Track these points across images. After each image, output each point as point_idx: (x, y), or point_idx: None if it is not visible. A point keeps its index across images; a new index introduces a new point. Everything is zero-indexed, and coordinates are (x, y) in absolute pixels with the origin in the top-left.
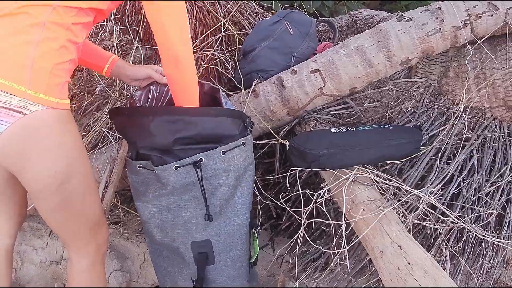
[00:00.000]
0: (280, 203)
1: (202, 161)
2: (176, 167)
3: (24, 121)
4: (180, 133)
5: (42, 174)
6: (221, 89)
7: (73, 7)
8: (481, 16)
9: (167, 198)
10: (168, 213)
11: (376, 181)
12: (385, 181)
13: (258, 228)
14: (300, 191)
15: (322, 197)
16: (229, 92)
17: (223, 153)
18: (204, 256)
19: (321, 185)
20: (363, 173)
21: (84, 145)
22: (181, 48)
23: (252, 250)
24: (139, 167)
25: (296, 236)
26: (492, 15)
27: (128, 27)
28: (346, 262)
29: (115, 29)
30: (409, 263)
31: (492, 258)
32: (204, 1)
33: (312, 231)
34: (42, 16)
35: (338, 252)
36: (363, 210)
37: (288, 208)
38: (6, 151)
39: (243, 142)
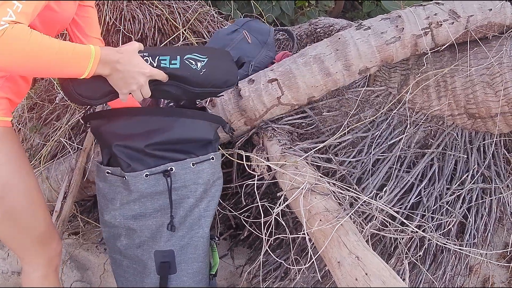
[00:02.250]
0: (238, 214)
1: (172, 170)
2: (146, 175)
3: None
4: (155, 137)
5: None
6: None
7: None
8: (442, 24)
9: (134, 207)
10: (134, 221)
11: (333, 191)
12: (342, 191)
13: (216, 238)
14: (260, 203)
15: (278, 207)
16: None
17: (193, 164)
18: (167, 266)
19: (278, 194)
20: (319, 183)
21: (26, 160)
22: None
23: (211, 261)
24: (108, 173)
25: (254, 246)
26: (453, 22)
27: None
28: (305, 273)
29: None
30: (366, 274)
31: (455, 266)
32: (163, 10)
33: (272, 241)
34: None
35: (297, 265)
36: (320, 220)
37: (247, 226)
38: None
39: (212, 157)
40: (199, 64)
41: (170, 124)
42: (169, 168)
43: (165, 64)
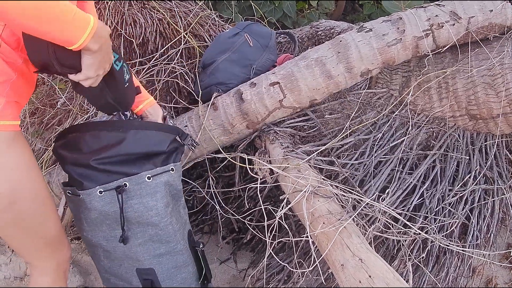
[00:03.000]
0: (241, 218)
1: (126, 186)
2: (100, 192)
3: None
4: (103, 151)
5: None
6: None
7: None
8: (443, 26)
9: (102, 227)
10: (107, 242)
11: (335, 193)
12: (344, 194)
13: (201, 246)
14: (262, 206)
15: (281, 210)
16: (189, 106)
17: (149, 178)
18: (149, 282)
19: (281, 197)
20: (322, 186)
21: (35, 165)
22: None
23: (204, 270)
24: (68, 193)
25: (257, 249)
26: (454, 24)
27: None
28: (308, 276)
29: None
30: (370, 276)
31: (458, 267)
32: (165, 14)
33: (275, 244)
34: None
35: (300, 268)
36: (323, 223)
37: (251, 229)
38: None
39: (172, 168)
40: (127, 77)
41: (120, 137)
42: (122, 184)
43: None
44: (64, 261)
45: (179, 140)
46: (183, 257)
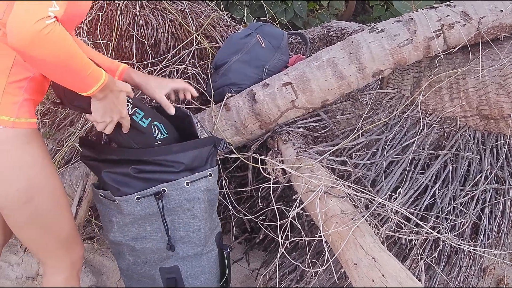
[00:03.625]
0: (254, 218)
1: (164, 191)
2: (137, 198)
3: None
4: (143, 164)
5: (2, 193)
6: (192, 115)
7: None
8: (453, 26)
9: (132, 229)
10: (135, 242)
11: (348, 193)
12: (357, 194)
13: (229, 248)
14: (275, 206)
15: (294, 209)
16: (202, 106)
17: (187, 183)
18: (173, 281)
19: (294, 197)
20: (335, 185)
21: (51, 162)
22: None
23: (226, 272)
24: (101, 195)
25: (269, 249)
26: (464, 24)
27: (101, 41)
28: (321, 276)
29: (88, 43)
30: (383, 275)
31: (469, 266)
32: (176, 16)
33: (288, 244)
34: None
35: (313, 267)
36: (336, 223)
37: (263, 228)
38: None
39: (210, 173)
40: (159, 136)
41: (160, 158)
42: (161, 190)
43: (137, 118)
44: (77, 260)
45: (215, 147)
46: (210, 259)
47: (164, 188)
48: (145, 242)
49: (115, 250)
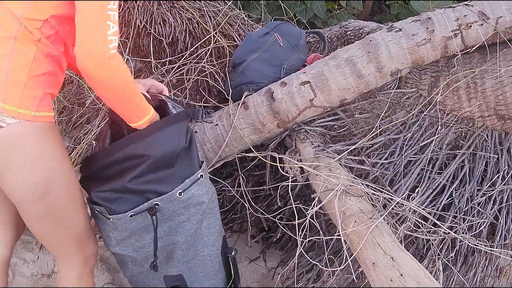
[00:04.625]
0: (271, 217)
1: (158, 205)
2: (131, 215)
3: (0, 134)
4: (133, 169)
5: (20, 186)
6: (166, 97)
7: (35, 19)
8: (471, 26)
9: (130, 241)
10: (136, 253)
11: (366, 192)
12: (375, 193)
13: (233, 253)
14: (294, 205)
15: (312, 208)
16: (219, 105)
17: (180, 193)
18: None
19: (312, 196)
20: (354, 185)
21: (67, 157)
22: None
23: (235, 276)
24: (96, 211)
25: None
26: (482, 24)
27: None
28: (339, 275)
29: None
30: (401, 275)
31: (485, 267)
32: (194, 14)
33: (305, 243)
34: (13, 29)
35: (332, 267)
36: (355, 222)
37: (281, 227)
38: None
39: (201, 175)
40: None
41: (141, 149)
42: (153, 204)
43: None
44: (91, 256)
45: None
46: (213, 264)
47: (156, 202)
48: (146, 251)
49: (118, 259)
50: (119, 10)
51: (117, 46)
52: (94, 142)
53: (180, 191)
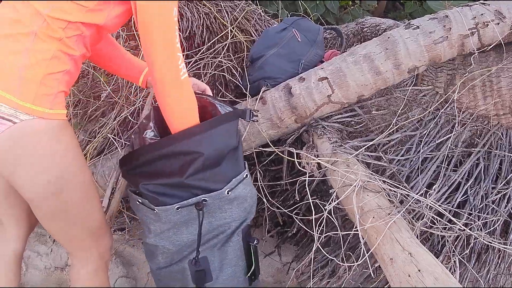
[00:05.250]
0: (288, 211)
1: (205, 201)
2: (178, 208)
3: (13, 130)
4: (188, 167)
5: (33, 183)
6: (211, 97)
7: (61, 19)
8: (488, 24)
9: (168, 234)
10: (173, 246)
11: (384, 188)
12: (392, 189)
13: (256, 242)
14: (310, 200)
15: (330, 203)
16: (236, 99)
17: (228, 192)
18: (202, 274)
19: (330, 191)
20: (371, 180)
21: (81, 154)
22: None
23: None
24: (138, 202)
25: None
26: (498, 23)
27: (135, 32)
28: (356, 270)
29: (121, 35)
30: (419, 270)
31: (498, 265)
32: (211, 9)
33: (322, 238)
34: (34, 26)
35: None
36: (373, 217)
37: (298, 222)
38: None
39: (246, 174)
40: None
41: (194, 146)
42: (201, 200)
43: None
44: (105, 251)
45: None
46: (235, 252)
47: (205, 198)
48: (181, 244)
49: (148, 250)
50: None
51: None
52: (133, 136)
53: (228, 190)
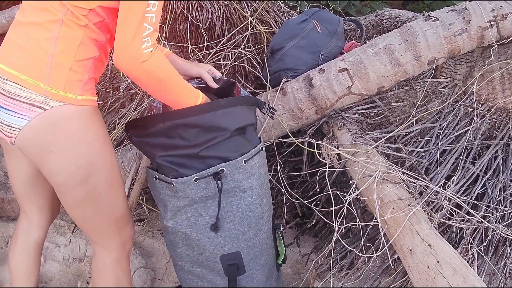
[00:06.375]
0: (307, 203)
1: (223, 171)
2: (196, 179)
3: (43, 116)
4: (202, 137)
5: (62, 168)
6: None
7: (81, 7)
8: (506, 17)
9: (186, 215)
10: (190, 230)
11: (403, 180)
12: (412, 180)
13: (282, 228)
14: (331, 191)
15: (350, 194)
16: (256, 90)
17: (245, 162)
18: (235, 267)
19: (350, 182)
20: (391, 172)
21: (110, 142)
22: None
23: (279, 249)
24: (155, 178)
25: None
26: None
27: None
28: (375, 261)
29: None
30: (438, 262)
31: None
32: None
33: (342, 229)
34: (60, 13)
35: (367, 253)
36: (393, 208)
37: (318, 213)
38: (27, 144)
39: (262, 147)
40: None
41: (211, 119)
42: (219, 170)
43: None
44: (127, 241)
45: (260, 110)
46: (268, 239)
47: (223, 168)
48: (202, 229)
49: (169, 240)
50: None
51: (152, 45)
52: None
53: (246, 159)
